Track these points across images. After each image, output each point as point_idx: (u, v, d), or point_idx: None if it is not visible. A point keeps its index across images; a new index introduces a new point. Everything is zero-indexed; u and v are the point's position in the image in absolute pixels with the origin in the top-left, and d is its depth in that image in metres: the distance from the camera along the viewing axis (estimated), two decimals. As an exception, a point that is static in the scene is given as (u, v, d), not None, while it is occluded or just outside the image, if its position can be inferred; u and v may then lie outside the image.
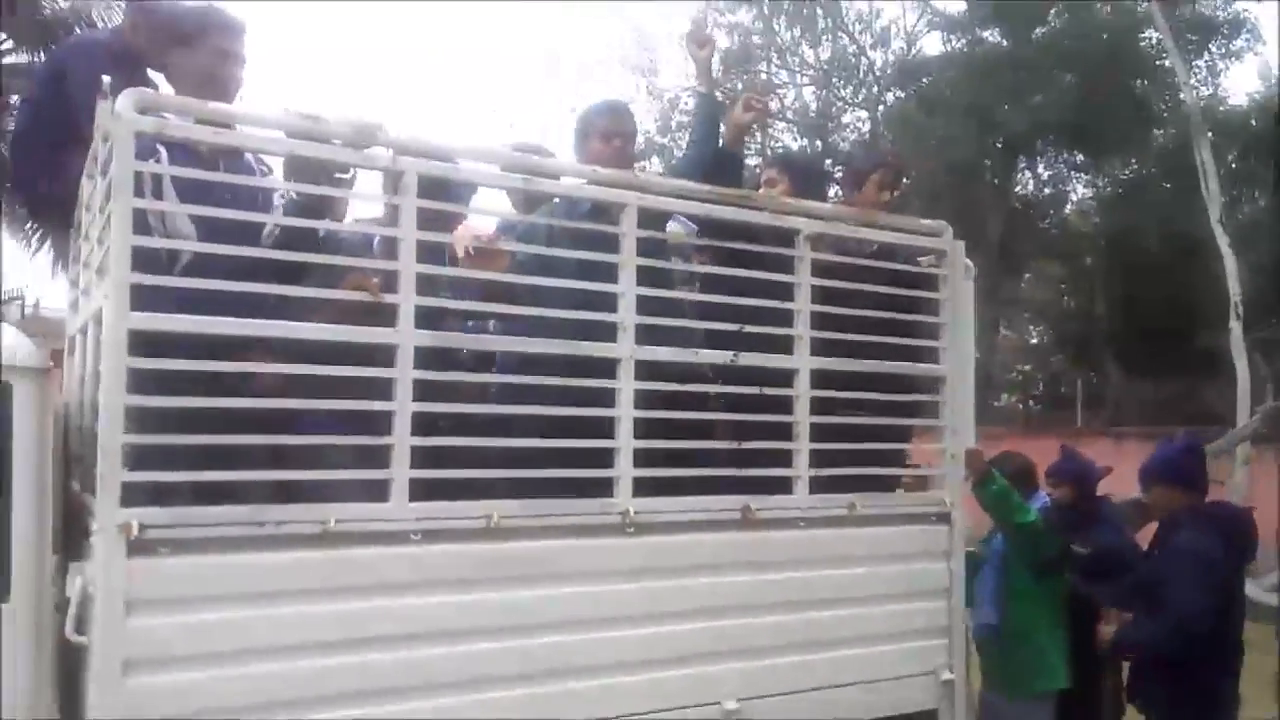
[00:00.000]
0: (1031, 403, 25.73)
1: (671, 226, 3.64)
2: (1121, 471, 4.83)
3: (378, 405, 2.68)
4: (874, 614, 3.46)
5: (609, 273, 3.07)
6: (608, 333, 3.06)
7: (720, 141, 3.72)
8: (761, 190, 3.87)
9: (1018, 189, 22.56)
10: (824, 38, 23.41)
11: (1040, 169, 22.79)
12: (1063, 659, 4.20)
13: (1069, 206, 23.27)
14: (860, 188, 4.10)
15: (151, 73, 3.82)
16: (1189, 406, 16.09)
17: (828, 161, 19.36)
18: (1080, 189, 23.13)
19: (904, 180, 4.34)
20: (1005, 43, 20.66)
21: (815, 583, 3.35)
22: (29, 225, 12.11)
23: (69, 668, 2.53)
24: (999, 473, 4.02)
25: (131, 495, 2.39)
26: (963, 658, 3.70)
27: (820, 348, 3.43)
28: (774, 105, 20.51)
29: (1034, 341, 26.50)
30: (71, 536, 2.66)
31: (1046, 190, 22.91)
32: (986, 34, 21.33)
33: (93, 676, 2.34)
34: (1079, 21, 19.94)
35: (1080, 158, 21.65)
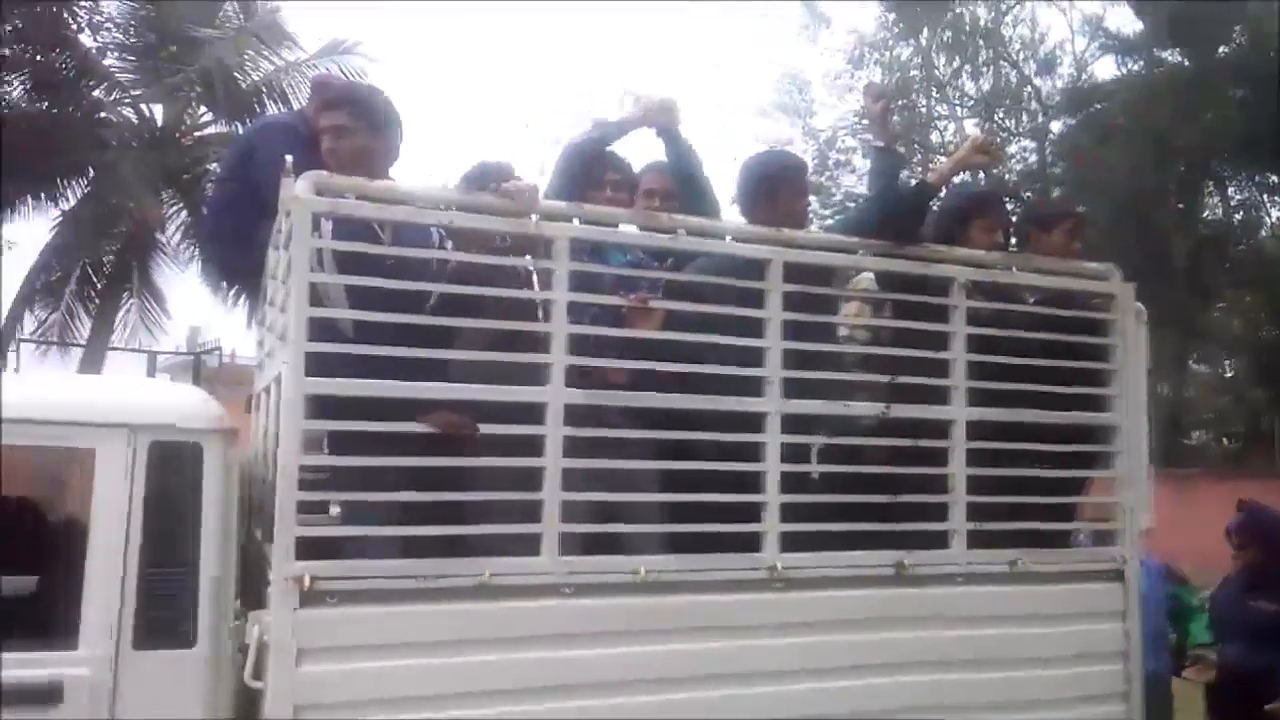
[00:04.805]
0: (1227, 440, 23.98)
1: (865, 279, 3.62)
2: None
3: (528, 462, 2.77)
4: (1039, 676, 3.29)
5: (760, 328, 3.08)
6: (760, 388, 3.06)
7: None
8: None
9: (1206, 215, 21.20)
10: (985, 68, 22.74)
11: (1230, 192, 21.38)
12: None
13: (1264, 231, 21.70)
14: (1048, 233, 3.83)
15: None
16: None
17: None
18: (1276, 212, 21.58)
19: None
20: (1186, 63, 19.55)
21: (975, 642, 3.22)
22: (223, 284, 13.11)
23: (247, 710, 2.69)
24: None
25: (306, 549, 2.55)
26: (1142, 721, 3.47)
27: (982, 398, 3.33)
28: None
29: (1229, 375, 24.69)
30: (252, 583, 2.85)
31: (1238, 215, 21.45)
32: (1166, 54, 20.27)
33: None
34: (1266, 35, 18.67)
35: (1275, 179, 20.18)
